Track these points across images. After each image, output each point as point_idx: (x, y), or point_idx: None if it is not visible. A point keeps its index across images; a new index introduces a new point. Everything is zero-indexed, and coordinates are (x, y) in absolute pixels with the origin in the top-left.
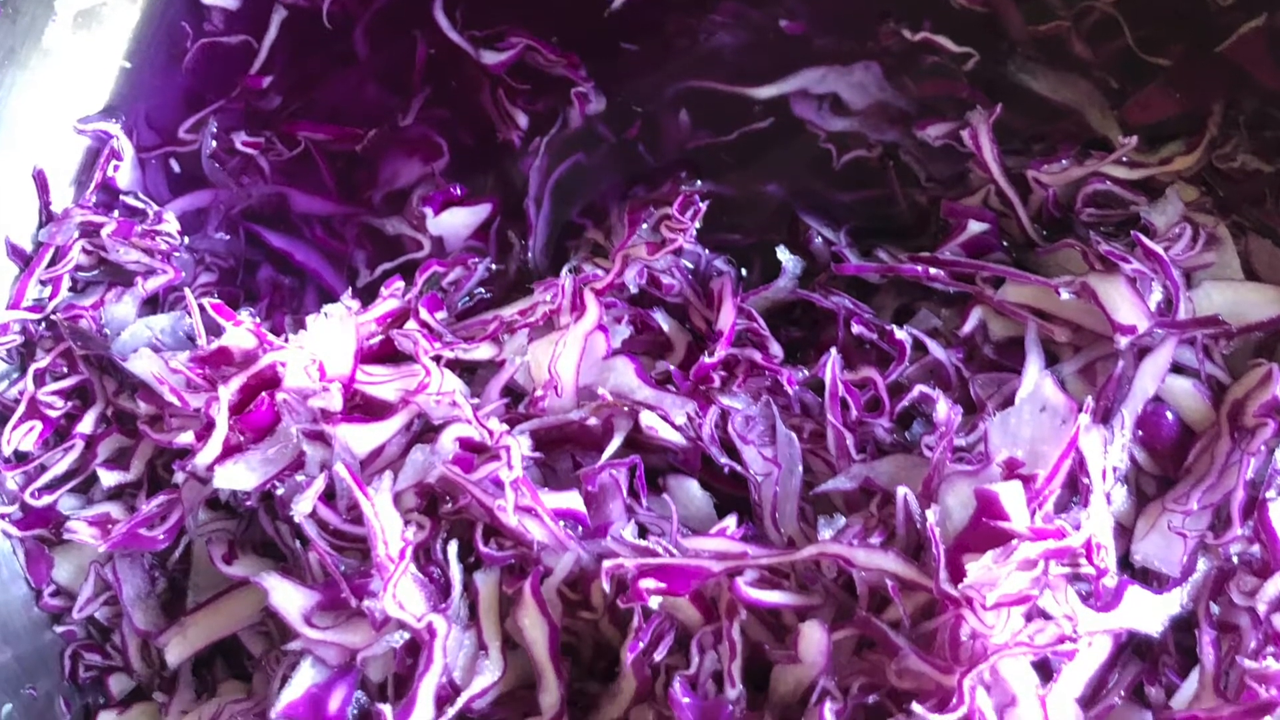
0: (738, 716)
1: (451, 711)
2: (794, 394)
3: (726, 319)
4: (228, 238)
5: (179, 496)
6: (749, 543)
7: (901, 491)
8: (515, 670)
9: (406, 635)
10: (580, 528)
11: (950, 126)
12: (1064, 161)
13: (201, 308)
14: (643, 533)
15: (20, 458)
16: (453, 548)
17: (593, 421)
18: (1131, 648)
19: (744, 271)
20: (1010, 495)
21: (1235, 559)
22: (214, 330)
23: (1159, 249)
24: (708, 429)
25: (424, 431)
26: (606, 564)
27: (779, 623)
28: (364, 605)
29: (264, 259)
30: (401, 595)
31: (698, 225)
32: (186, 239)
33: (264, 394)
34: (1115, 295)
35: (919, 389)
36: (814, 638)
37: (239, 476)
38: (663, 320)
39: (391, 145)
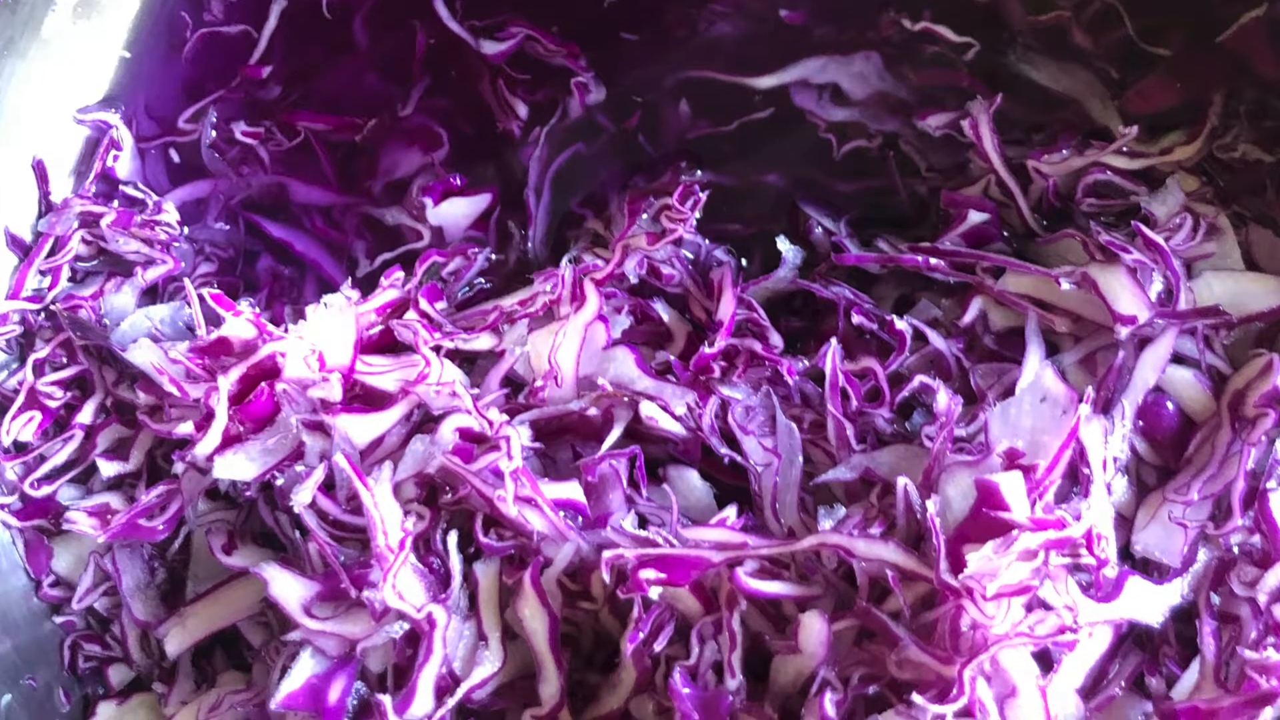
0: (738, 707)
1: (451, 702)
2: (794, 384)
3: (726, 309)
4: (227, 228)
5: (178, 487)
6: (749, 533)
7: (902, 482)
8: (515, 661)
9: (406, 626)
10: (580, 518)
11: (951, 116)
12: (1064, 151)
13: (201, 298)
14: (643, 523)
15: (19, 448)
16: (452, 538)
17: (593, 412)
18: (1132, 638)
19: (744, 261)
20: (1011, 485)
21: (1236, 549)
22: (213, 320)
23: (1159, 239)
24: (708, 419)
25: (424, 422)
26: (606, 554)
27: (779, 613)
28: (364, 596)
29: (263, 249)
30: (401, 586)
31: (698, 215)
32: (186, 229)
33: (263, 384)
34: (1116, 285)
35: (919, 379)
36: (814, 628)
37: (238, 467)
38: (663, 310)
39: (391, 135)
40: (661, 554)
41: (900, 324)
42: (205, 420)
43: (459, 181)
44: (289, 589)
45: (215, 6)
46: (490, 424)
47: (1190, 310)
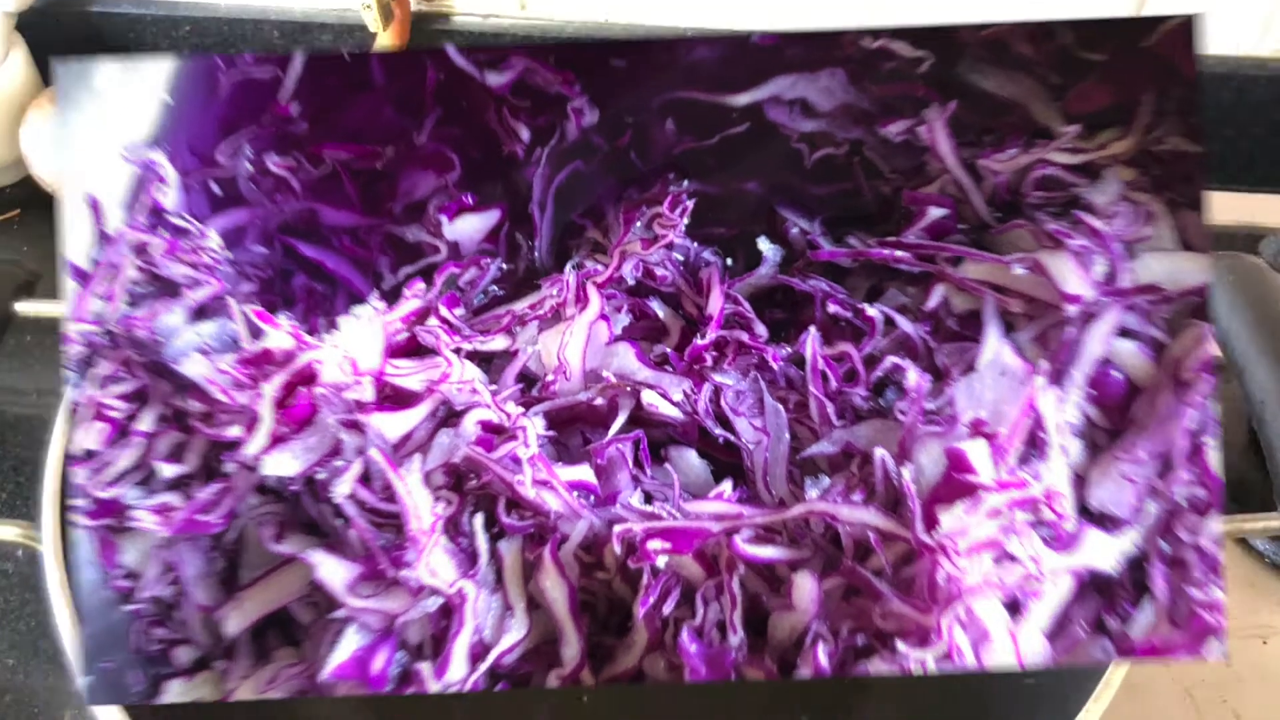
0: (740, 660)
1: (483, 667)
2: (779, 369)
3: (715, 304)
4: (265, 250)
5: (231, 484)
6: (744, 504)
7: (879, 453)
8: (539, 627)
9: (440, 600)
10: (592, 497)
11: (909, 124)
12: (1012, 150)
13: (244, 314)
14: (648, 499)
15: (88, 456)
16: (478, 520)
17: (599, 401)
18: (1092, 584)
19: (729, 261)
20: (976, 452)
21: (1182, 501)
22: (256, 334)
23: (1101, 225)
24: (703, 404)
25: (448, 417)
26: (617, 529)
27: (774, 575)
28: (401, 575)
29: (298, 268)
30: (434, 565)
31: (686, 221)
32: (228, 253)
33: (303, 389)
34: (1063, 269)
35: (891, 360)
36: (805, 587)
37: (284, 464)
38: (658, 308)
39: (408, 161)
40: (666, 526)
41: (871, 311)
42: (252, 424)
43: (471, 200)
44: (334, 572)
45: (247, 54)
46: (508, 416)
47: (1131, 288)
